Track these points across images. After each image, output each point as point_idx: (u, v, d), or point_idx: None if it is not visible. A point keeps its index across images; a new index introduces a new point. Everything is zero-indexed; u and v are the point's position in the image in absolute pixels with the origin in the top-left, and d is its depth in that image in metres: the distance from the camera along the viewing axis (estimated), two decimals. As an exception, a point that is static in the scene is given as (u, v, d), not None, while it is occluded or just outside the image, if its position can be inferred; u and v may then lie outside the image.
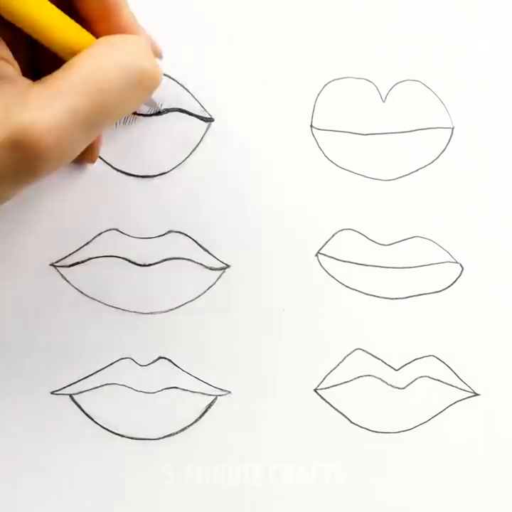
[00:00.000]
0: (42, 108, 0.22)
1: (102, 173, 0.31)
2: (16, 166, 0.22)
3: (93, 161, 0.30)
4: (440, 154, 0.32)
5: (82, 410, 0.31)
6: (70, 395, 0.31)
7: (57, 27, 0.24)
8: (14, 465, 0.31)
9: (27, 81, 0.23)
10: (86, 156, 0.30)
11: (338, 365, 0.31)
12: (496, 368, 0.32)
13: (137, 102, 0.25)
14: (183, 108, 0.32)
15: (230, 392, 0.31)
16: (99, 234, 0.31)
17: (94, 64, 0.23)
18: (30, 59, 0.27)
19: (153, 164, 0.32)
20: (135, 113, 0.31)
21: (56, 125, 0.22)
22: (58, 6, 0.24)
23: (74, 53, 0.24)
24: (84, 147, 0.24)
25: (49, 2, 0.24)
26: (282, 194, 0.32)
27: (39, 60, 0.27)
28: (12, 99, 0.22)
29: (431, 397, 0.32)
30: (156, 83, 0.25)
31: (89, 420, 0.31)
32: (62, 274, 0.31)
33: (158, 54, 0.30)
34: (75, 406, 0.31)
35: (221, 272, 0.31)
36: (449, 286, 0.32)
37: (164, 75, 0.32)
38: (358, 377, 0.31)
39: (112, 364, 0.31)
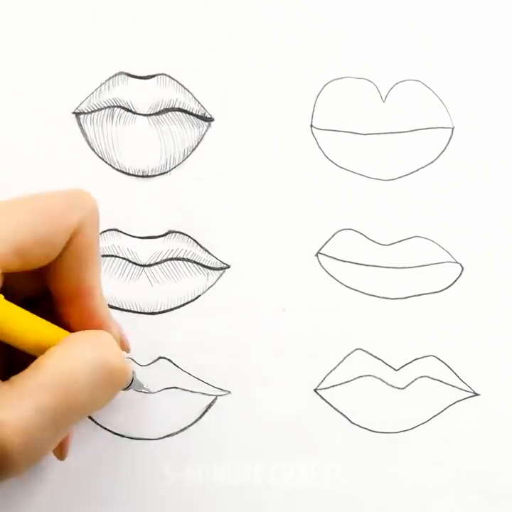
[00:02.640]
0: (9, 408, 0.22)
1: (102, 173, 0.31)
2: None
3: (62, 458, 0.29)
4: (440, 154, 0.32)
5: (82, 410, 0.31)
6: (70, 395, 0.31)
7: (21, 328, 0.23)
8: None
9: None
10: (55, 451, 0.29)
11: (338, 365, 0.31)
12: (496, 368, 0.32)
13: (107, 398, 0.25)
14: (183, 108, 0.32)
15: (230, 392, 0.31)
16: (100, 234, 0.31)
17: (62, 363, 0.23)
18: (3, 357, 0.26)
19: (153, 164, 0.32)
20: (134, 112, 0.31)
21: (23, 425, 0.22)
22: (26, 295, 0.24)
23: (43, 350, 0.23)
24: (55, 445, 0.24)
25: (11, 303, 0.23)
26: (282, 194, 0.32)
27: (12, 357, 0.26)
28: None
29: (431, 397, 0.31)
30: (126, 380, 0.25)
31: (89, 420, 0.31)
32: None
33: (126, 348, 0.29)
34: (75, 406, 0.31)
35: (221, 271, 0.31)
36: (449, 286, 0.32)
37: (164, 74, 0.32)
38: (358, 377, 0.31)
39: (111, 364, 0.31)
